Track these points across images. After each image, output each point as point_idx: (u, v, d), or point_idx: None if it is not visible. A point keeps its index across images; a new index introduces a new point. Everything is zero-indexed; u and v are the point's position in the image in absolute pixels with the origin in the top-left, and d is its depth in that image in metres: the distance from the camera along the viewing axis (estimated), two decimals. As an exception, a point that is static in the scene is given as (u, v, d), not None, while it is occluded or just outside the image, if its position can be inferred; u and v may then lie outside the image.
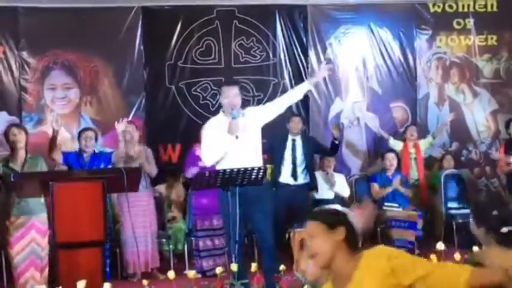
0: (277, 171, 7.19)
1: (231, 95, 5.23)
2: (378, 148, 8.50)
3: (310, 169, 7.28)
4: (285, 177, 7.15)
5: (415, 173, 8.05)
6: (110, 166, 6.46)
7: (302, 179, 7.19)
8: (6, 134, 6.03)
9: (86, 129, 6.92)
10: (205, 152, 5.27)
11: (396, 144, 8.09)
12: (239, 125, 5.09)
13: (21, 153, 5.89)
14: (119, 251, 6.77)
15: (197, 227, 6.77)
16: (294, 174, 7.15)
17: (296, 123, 7.26)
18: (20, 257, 5.79)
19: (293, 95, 5.54)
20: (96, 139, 6.70)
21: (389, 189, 7.72)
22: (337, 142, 7.39)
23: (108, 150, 7.06)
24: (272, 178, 7.15)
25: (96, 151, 6.73)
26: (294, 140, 7.24)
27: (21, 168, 5.81)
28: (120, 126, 6.49)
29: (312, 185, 7.34)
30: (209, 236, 6.68)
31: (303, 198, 7.18)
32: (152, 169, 6.82)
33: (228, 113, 5.18)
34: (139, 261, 6.55)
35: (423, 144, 8.16)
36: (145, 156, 6.76)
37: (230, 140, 5.09)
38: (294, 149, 7.19)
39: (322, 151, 7.67)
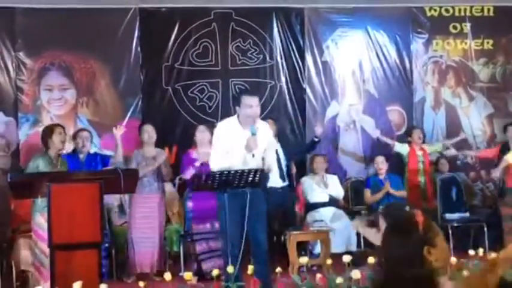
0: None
1: (254, 105, 5.03)
2: (374, 151, 8.50)
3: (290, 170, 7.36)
4: (274, 181, 7.11)
5: (422, 176, 8.01)
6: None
7: (287, 180, 7.25)
8: None
9: (81, 129, 6.91)
10: (214, 157, 5.15)
11: (402, 148, 8.02)
12: (258, 142, 4.96)
13: None
14: (115, 252, 6.75)
15: (192, 229, 6.73)
16: (282, 176, 7.18)
17: (270, 126, 7.18)
18: None
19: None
20: (91, 140, 6.69)
21: (380, 195, 7.68)
22: (316, 140, 7.49)
23: (108, 152, 7.04)
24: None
25: (91, 152, 6.71)
26: None
27: None
28: (119, 131, 6.45)
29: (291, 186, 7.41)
30: (205, 239, 6.63)
31: (292, 200, 7.31)
32: (168, 172, 6.83)
33: (246, 124, 5.03)
34: (146, 261, 6.56)
35: (430, 149, 8.16)
36: (162, 158, 6.77)
37: (245, 156, 4.98)
38: (276, 151, 7.21)
39: (300, 149, 7.86)
